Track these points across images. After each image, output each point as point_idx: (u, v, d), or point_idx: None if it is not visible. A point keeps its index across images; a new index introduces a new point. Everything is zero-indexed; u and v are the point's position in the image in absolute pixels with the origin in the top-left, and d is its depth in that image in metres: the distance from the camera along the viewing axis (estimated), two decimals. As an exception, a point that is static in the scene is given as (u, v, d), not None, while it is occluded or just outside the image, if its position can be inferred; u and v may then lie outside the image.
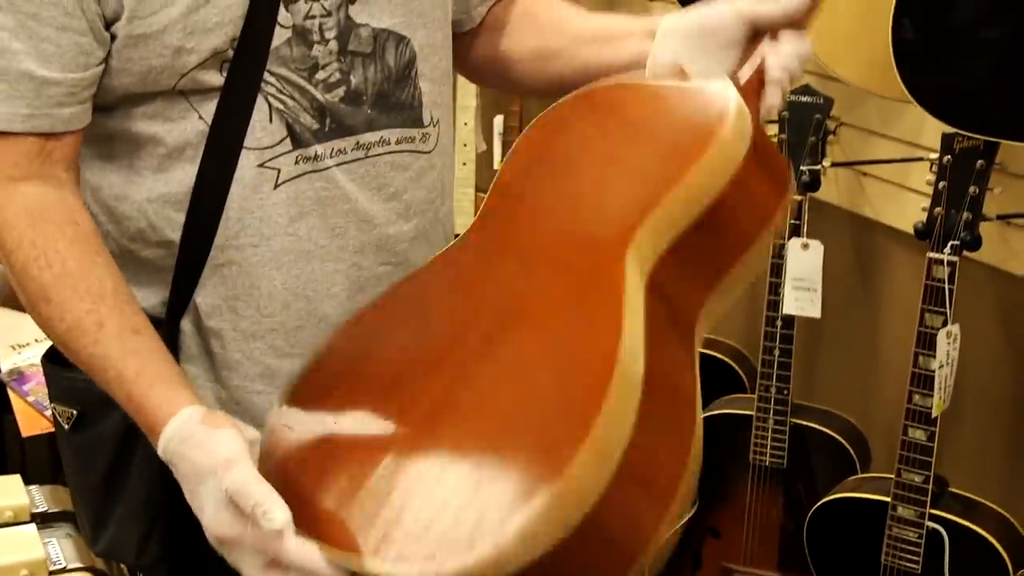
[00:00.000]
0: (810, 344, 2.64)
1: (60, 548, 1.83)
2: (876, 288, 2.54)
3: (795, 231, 2.29)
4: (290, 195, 1.25)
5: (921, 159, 2.18)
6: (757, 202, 1.15)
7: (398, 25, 1.29)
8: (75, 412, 1.31)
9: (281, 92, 1.23)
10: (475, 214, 3.54)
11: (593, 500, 0.90)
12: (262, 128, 1.23)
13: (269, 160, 1.24)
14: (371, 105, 1.27)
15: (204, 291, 1.27)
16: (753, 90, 1.24)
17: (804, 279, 2.26)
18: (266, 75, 1.22)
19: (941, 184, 1.96)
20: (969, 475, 2.22)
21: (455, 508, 0.93)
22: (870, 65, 2.03)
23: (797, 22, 1.25)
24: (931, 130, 2.13)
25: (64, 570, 1.79)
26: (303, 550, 0.99)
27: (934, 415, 1.96)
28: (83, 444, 1.33)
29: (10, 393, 2.37)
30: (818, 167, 2.28)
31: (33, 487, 1.99)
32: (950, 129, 1.88)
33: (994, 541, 2.00)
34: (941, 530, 2.02)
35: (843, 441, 2.35)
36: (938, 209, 1.96)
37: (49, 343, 1.27)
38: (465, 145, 3.24)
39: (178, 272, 1.27)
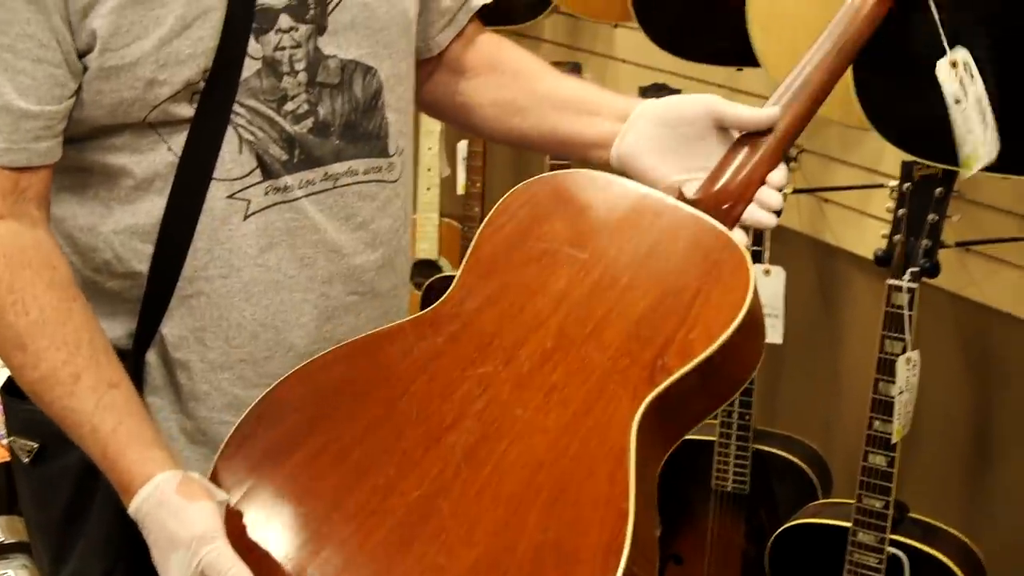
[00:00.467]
0: (772, 370, 2.66)
1: (15, 578, 1.82)
2: (838, 314, 2.56)
3: (757, 257, 2.31)
4: (260, 226, 1.25)
5: (881, 186, 2.21)
6: (745, 363, 1.13)
7: (365, 56, 1.30)
8: (35, 445, 1.30)
9: (251, 123, 1.23)
10: (439, 240, 3.54)
11: None
12: (232, 159, 1.23)
13: (239, 191, 1.24)
14: (339, 136, 1.28)
15: (171, 322, 1.27)
16: (738, 198, 1.24)
17: (766, 305, 2.27)
18: (236, 106, 1.22)
19: (900, 211, 1.99)
20: (929, 500, 2.24)
21: None
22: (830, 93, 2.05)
23: (778, 147, 1.26)
24: (891, 157, 2.15)
25: (19, 600, 1.78)
26: None
27: (894, 441, 1.98)
28: (43, 478, 1.32)
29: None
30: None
31: (-13, 517, 1.97)
32: (909, 157, 1.91)
33: (954, 566, 2.02)
34: (901, 555, 2.04)
35: (805, 467, 2.37)
36: (897, 236, 1.98)
37: (6, 372, 1.26)
38: (429, 170, 3.25)
39: (145, 303, 1.26)
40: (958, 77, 1.52)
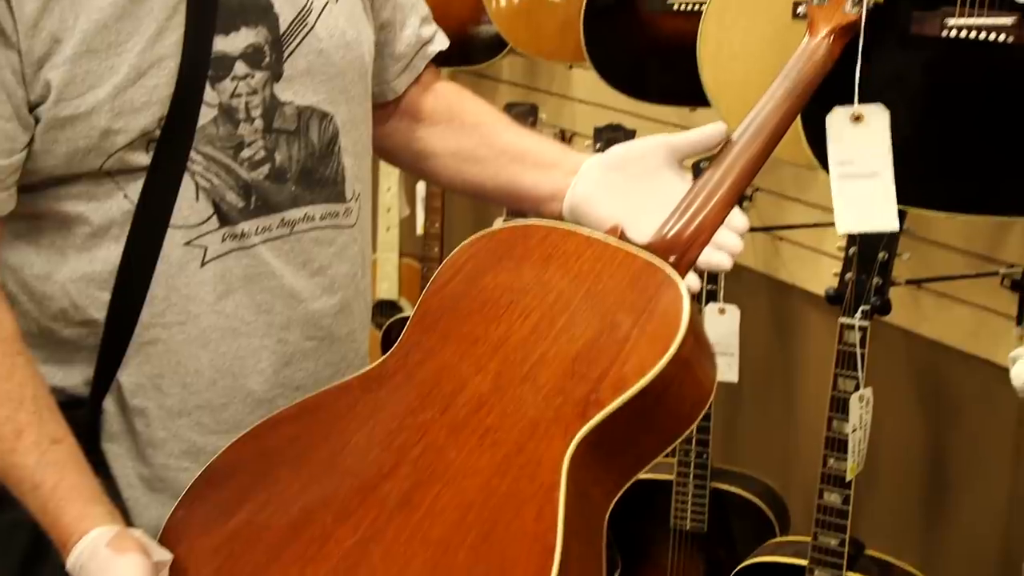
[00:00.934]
0: (729, 407, 2.68)
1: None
2: (793, 351, 2.59)
3: (711, 296, 2.33)
4: (217, 273, 1.26)
5: (833, 224, 2.24)
6: (687, 399, 1.13)
7: (321, 102, 1.31)
8: None
9: (207, 170, 1.24)
10: (399, 280, 3.55)
11: None
12: (188, 206, 1.24)
13: (196, 238, 1.25)
14: (295, 182, 1.29)
15: (128, 369, 1.27)
16: (692, 242, 1.24)
17: (721, 344, 2.30)
18: (192, 154, 1.23)
19: (851, 250, 2.02)
20: (886, 537, 2.25)
21: None
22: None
23: (734, 190, 1.27)
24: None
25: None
26: None
27: (848, 478, 1.99)
28: None
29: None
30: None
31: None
32: (860, 197, 1.93)
33: (910, 602, 2.04)
34: (858, 592, 2.05)
35: (762, 505, 2.38)
36: (849, 275, 2.01)
37: None
38: (389, 210, 3.26)
39: (102, 351, 1.26)
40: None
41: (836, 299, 2.01)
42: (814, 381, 2.49)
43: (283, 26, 1.27)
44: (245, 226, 1.26)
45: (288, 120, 1.28)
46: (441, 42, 1.52)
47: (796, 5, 1.95)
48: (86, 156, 1.19)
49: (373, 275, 3.29)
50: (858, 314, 1.97)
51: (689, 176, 1.33)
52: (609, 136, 2.48)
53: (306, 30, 1.28)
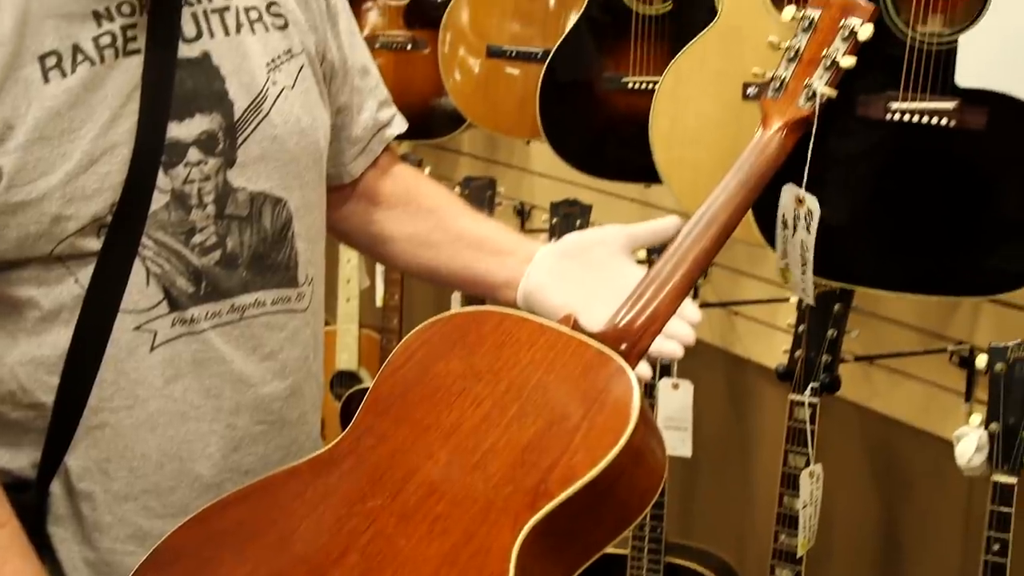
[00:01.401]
0: (684, 482, 2.69)
1: None
2: (748, 425, 2.60)
3: (665, 371, 2.34)
4: (166, 357, 1.26)
5: (787, 300, 2.27)
6: (637, 489, 1.13)
7: (275, 188, 1.32)
8: None
9: (158, 255, 1.25)
10: (359, 351, 3.54)
11: None
12: (139, 291, 1.24)
13: (145, 323, 1.25)
14: (247, 267, 1.30)
15: (75, 453, 1.27)
16: (644, 331, 1.26)
17: (675, 418, 2.31)
18: (144, 239, 1.23)
19: (801, 327, 2.04)
20: (838, 611, 2.27)
21: None
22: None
23: (686, 280, 1.29)
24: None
25: None
26: None
27: (799, 554, 2.00)
28: None
29: None
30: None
31: None
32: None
33: (862, 677, 2.05)
34: (811, 667, 2.06)
35: (716, 580, 2.38)
36: (798, 352, 2.03)
37: None
38: (349, 281, 3.27)
39: (50, 434, 1.26)
40: (795, 212, 1.60)
41: (786, 376, 2.04)
42: (769, 455, 2.50)
43: (238, 113, 1.28)
44: (195, 311, 1.27)
45: (241, 206, 1.29)
46: (399, 126, 1.54)
47: (746, 86, 1.99)
48: (37, 241, 1.20)
49: (333, 346, 3.30)
50: (808, 391, 2.00)
51: (642, 266, 1.34)
52: (566, 211, 2.50)
53: (261, 116, 1.30)
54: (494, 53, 2.58)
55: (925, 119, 1.69)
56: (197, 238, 1.26)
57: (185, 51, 1.25)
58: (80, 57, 1.19)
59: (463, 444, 1.14)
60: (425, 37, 2.78)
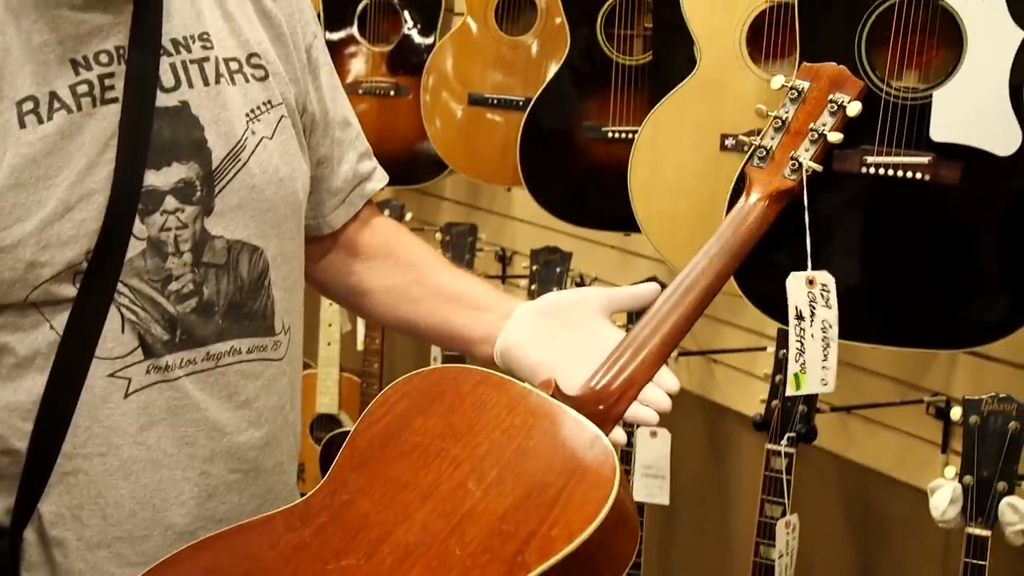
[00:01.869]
0: (662, 530, 2.69)
1: None
2: (726, 473, 2.61)
3: (645, 419, 2.34)
4: (140, 404, 1.26)
5: (764, 349, 2.28)
6: (614, 555, 1.12)
7: (252, 236, 1.32)
8: None
9: (133, 303, 1.25)
10: (339, 394, 3.53)
11: None
12: (114, 338, 1.24)
13: (120, 370, 1.25)
14: (223, 316, 1.30)
15: (49, 499, 1.26)
16: (620, 396, 1.25)
17: (652, 467, 2.31)
18: (119, 286, 1.23)
19: (778, 377, 2.05)
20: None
21: None
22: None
23: (663, 347, 1.28)
24: (774, 322, 2.22)
25: None
26: None
27: (777, 604, 2.01)
28: None
29: None
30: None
31: None
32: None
33: None
34: None
35: (693, 628, 2.38)
36: (775, 402, 2.04)
37: None
38: (330, 325, 3.27)
39: (23, 481, 1.25)
40: (809, 297, 1.56)
41: (763, 426, 2.05)
42: (747, 503, 2.50)
43: (215, 162, 1.28)
44: (170, 359, 1.27)
45: (218, 254, 1.29)
46: (380, 179, 1.54)
47: (724, 138, 2.01)
48: (11, 288, 1.20)
49: (313, 389, 3.30)
50: (784, 441, 2.00)
51: (621, 329, 1.34)
52: (546, 258, 2.51)
53: (239, 166, 1.30)
54: (476, 101, 2.60)
55: (900, 173, 1.70)
56: (173, 285, 1.27)
57: (163, 100, 1.26)
58: (57, 104, 1.20)
59: (440, 508, 1.13)
60: (408, 83, 2.80)
